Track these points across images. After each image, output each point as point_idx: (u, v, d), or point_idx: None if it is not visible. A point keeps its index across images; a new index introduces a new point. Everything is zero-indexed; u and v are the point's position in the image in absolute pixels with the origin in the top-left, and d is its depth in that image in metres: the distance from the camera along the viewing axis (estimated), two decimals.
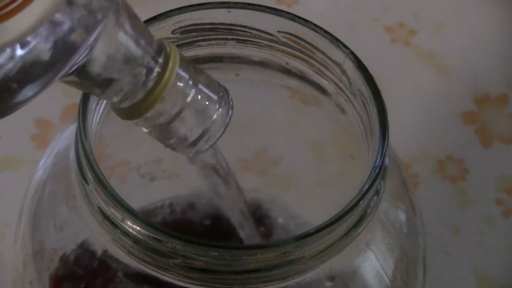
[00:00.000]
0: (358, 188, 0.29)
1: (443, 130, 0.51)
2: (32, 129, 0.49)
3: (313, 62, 0.33)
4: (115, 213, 0.28)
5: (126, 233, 0.28)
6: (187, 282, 0.28)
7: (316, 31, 0.32)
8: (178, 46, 0.31)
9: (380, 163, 0.29)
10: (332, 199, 0.36)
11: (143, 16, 0.28)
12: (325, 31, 0.32)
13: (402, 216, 0.34)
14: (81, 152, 0.29)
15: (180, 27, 0.32)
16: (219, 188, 0.33)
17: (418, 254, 0.34)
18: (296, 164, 0.40)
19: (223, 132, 0.29)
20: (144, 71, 0.27)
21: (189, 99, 0.28)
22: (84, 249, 0.31)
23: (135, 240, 0.28)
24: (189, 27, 0.32)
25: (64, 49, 0.24)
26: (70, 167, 0.31)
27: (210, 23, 0.32)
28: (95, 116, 0.31)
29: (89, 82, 0.27)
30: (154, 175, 0.40)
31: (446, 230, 0.47)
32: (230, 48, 0.33)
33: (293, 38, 0.32)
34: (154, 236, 0.27)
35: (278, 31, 0.32)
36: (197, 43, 0.33)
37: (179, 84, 0.28)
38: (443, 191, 0.49)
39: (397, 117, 0.46)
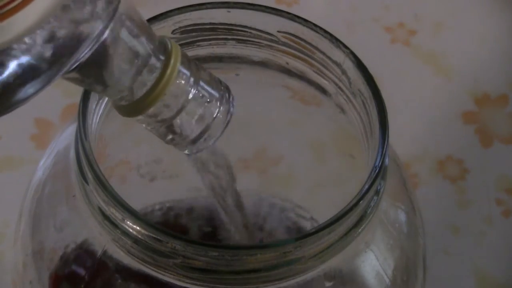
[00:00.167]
0: (358, 188, 0.29)
1: (443, 130, 0.51)
2: (32, 129, 0.49)
3: (313, 62, 0.33)
4: (115, 213, 0.28)
5: (126, 233, 0.28)
6: (187, 282, 0.28)
7: (316, 31, 0.32)
8: None
9: (380, 163, 0.29)
10: (332, 199, 0.36)
11: (143, 16, 0.28)
12: (325, 31, 0.32)
13: (402, 216, 0.34)
14: (81, 152, 0.29)
15: (180, 27, 0.32)
16: (216, 188, 0.33)
17: (418, 254, 0.34)
18: (296, 164, 0.40)
19: (224, 129, 0.29)
20: (145, 68, 0.27)
21: (190, 96, 0.28)
22: (84, 249, 0.31)
23: (135, 240, 0.28)
24: (189, 27, 0.32)
25: (65, 47, 0.24)
26: (70, 167, 0.31)
27: (210, 23, 0.32)
28: (95, 116, 0.31)
29: (91, 79, 0.27)
30: (154, 175, 0.40)
31: (446, 230, 0.47)
32: (230, 48, 0.33)
33: (293, 38, 0.32)
34: (154, 236, 0.27)
35: (278, 31, 0.32)
36: (197, 43, 0.33)
37: (180, 81, 0.28)
38: (443, 191, 0.49)
39: (397, 117, 0.46)
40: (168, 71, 0.28)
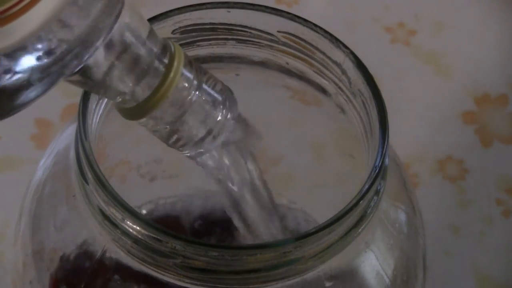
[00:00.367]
0: (358, 188, 0.29)
1: (443, 130, 0.51)
2: (32, 129, 0.49)
3: (313, 62, 0.33)
4: (115, 213, 0.28)
5: (126, 233, 0.28)
6: (187, 282, 0.28)
7: (316, 31, 0.32)
8: None
9: (380, 163, 0.29)
10: (332, 199, 0.36)
11: (143, 16, 0.28)
12: (325, 31, 0.32)
13: (402, 216, 0.34)
14: (81, 152, 0.29)
15: (180, 27, 0.32)
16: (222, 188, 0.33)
17: (418, 254, 0.34)
18: (296, 164, 0.40)
19: (227, 133, 0.29)
20: (148, 70, 0.27)
21: (193, 99, 0.28)
22: (84, 249, 0.31)
23: (135, 240, 0.28)
24: (189, 27, 0.32)
25: (69, 50, 0.24)
26: (70, 167, 0.31)
27: (210, 23, 0.32)
28: (95, 116, 0.31)
29: (93, 81, 0.27)
30: (154, 175, 0.40)
31: (446, 230, 0.47)
32: (230, 48, 0.33)
33: (293, 38, 0.32)
34: (154, 236, 0.27)
35: (278, 31, 0.32)
36: (197, 43, 0.33)
37: (183, 84, 0.28)
38: (443, 191, 0.49)
39: (397, 117, 0.46)
40: (171, 74, 0.27)
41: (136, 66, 0.27)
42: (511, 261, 0.47)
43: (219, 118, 0.29)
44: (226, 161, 0.32)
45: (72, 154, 0.30)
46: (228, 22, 0.32)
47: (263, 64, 0.34)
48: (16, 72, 0.23)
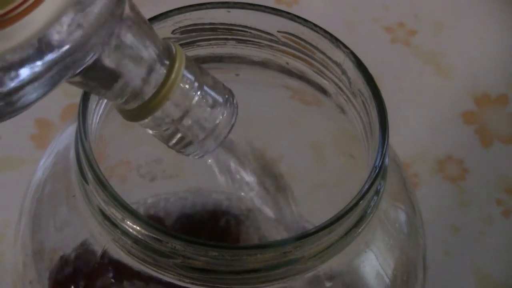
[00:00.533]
0: (358, 188, 0.29)
1: (443, 130, 0.51)
2: (32, 129, 0.49)
3: (313, 62, 0.33)
4: (115, 213, 0.28)
5: (126, 233, 0.28)
6: (187, 282, 0.28)
7: (316, 31, 0.32)
8: None
9: (380, 163, 0.29)
10: (332, 199, 0.36)
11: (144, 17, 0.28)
12: (325, 31, 0.32)
13: (402, 216, 0.34)
14: (81, 152, 0.29)
15: (180, 27, 0.32)
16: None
17: (418, 254, 0.34)
18: (296, 164, 0.40)
19: (227, 135, 0.29)
20: (150, 72, 0.27)
21: (194, 101, 0.28)
22: (84, 249, 0.31)
23: (135, 240, 0.28)
24: (189, 27, 0.32)
25: (71, 52, 0.24)
26: (70, 167, 0.31)
27: (210, 23, 0.32)
28: (95, 116, 0.31)
29: (95, 82, 0.27)
30: (154, 175, 0.40)
31: (446, 230, 0.47)
32: (230, 48, 0.33)
33: (293, 38, 0.32)
34: (154, 236, 0.27)
35: (278, 31, 0.32)
36: (197, 43, 0.33)
37: (185, 85, 0.28)
38: (443, 191, 0.49)
39: (397, 117, 0.46)
40: (173, 75, 0.27)
41: (137, 67, 0.27)
42: (511, 261, 0.47)
43: (220, 119, 0.29)
44: (227, 161, 0.32)
45: (72, 154, 0.30)
46: (228, 22, 0.32)
47: (263, 64, 0.34)
48: (18, 74, 0.23)
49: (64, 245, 0.32)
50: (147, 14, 0.30)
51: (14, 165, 0.48)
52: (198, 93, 0.28)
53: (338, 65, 0.32)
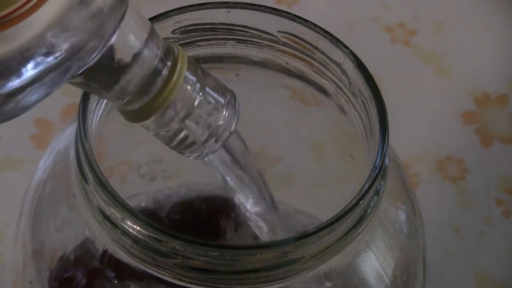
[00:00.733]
0: (358, 188, 0.29)
1: (443, 130, 0.51)
2: (32, 129, 0.49)
3: (313, 62, 0.33)
4: (115, 213, 0.28)
5: (126, 233, 0.28)
6: (187, 282, 0.28)
7: (316, 31, 0.32)
8: None
9: (380, 163, 0.29)
10: (332, 199, 0.36)
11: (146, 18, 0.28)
12: (325, 31, 0.32)
13: (402, 216, 0.34)
14: (81, 152, 0.29)
15: (180, 27, 0.32)
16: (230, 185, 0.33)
17: (418, 254, 0.34)
18: (296, 164, 0.40)
19: (229, 136, 0.29)
20: (152, 73, 0.27)
21: (196, 102, 0.28)
22: (84, 249, 0.31)
23: (135, 240, 0.28)
24: (189, 27, 0.32)
25: (73, 53, 0.24)
26: (70, 167, 0.31)
27: (210, 23, 0.32)
28: (95, 116, 0.31)
29: (96, 84, 0.27)
30: (154, 175, 0.40)
31: (446, 230, 0.47)
32: (230, 48, 0.33)
33: (293, 38, 0.32)
34: (154, 236, 0.27)
35: (278, 31, 0.32)
36: (197, 43, 0.33)
37: (187, 87, 0.28)
38: (443, 191, 0.49)
39: (397, 117, 0.46)
40: (175, 77, 0.27)
41: (139, 68, 0.27)
42: (511, 261, 0.47)
43: (221, 120, 0.29)
44: (228, 160, 0.32)
45: (72, 154, 0.30)
46: (228, 22, 0.32)
47: (263, 64, 0.34)
48: (19, 76, 0.23)
49: (64, 245, 0.32)
50: (147, 14, 0.30)
51: (14, 165, 0.48)
52: (200, 94, 0.28)
53: (338, 65, 0.32)
